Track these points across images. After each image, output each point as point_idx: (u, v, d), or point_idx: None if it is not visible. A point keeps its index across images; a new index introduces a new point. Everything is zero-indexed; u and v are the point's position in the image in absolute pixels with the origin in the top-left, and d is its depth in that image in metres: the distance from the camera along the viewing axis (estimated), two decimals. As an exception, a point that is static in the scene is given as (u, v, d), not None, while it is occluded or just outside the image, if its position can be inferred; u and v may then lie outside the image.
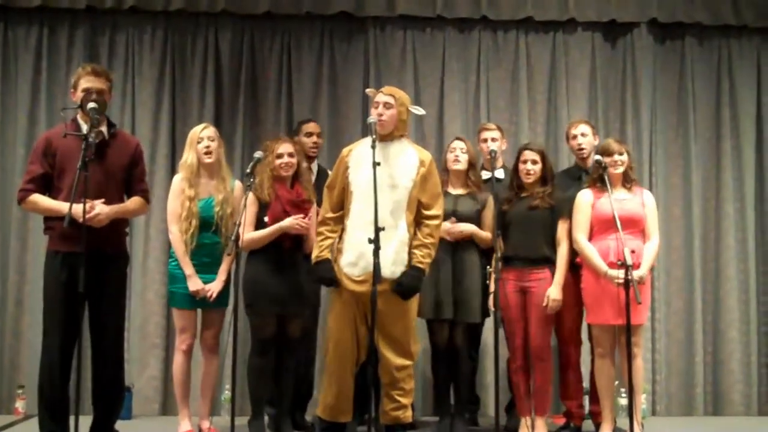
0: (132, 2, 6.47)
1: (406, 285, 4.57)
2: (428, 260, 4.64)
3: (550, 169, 5.33)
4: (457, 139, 5.46)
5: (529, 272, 5.17)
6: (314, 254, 4.70)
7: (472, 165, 5.35)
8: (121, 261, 4.56)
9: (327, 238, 4.70)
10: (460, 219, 5.19)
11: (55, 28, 6.57)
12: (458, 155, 5.30)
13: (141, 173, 4.63)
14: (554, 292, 5.11)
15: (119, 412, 4.60)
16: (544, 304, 5.11)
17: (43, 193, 4.35)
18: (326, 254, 4.67)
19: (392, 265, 4.54)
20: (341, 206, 4.72)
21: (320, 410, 4.78)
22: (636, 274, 4.66)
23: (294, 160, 5.11)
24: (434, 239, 4.69)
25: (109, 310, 4.38)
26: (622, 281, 4.79)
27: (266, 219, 4.99)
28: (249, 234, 4.94)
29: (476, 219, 5.24)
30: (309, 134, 5.70)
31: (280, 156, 5.07)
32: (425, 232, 4.66)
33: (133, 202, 4.54)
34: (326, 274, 4.66)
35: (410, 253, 4.63)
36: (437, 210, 4.72)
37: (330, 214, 4.74)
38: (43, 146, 4.35)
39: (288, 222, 4.94)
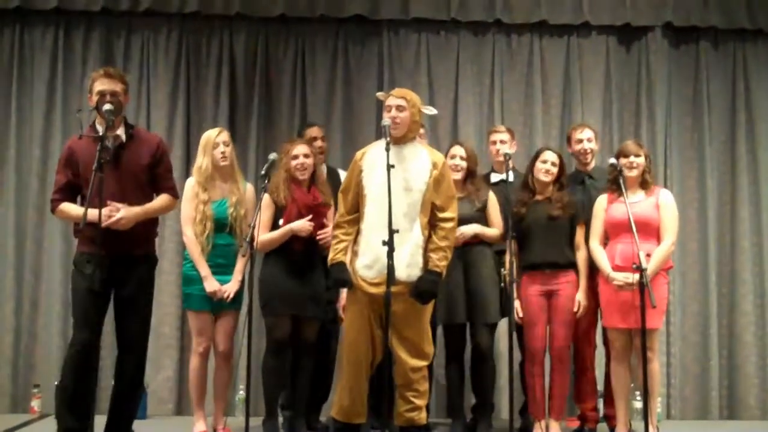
0: (147, 4, 6.52)
1: (423, 289, 4.56)
2: (444, 263, 4.63)
3: (565, 175, 5.34)
4: (457, 144, 5.45)
5: (556, 276, 5.18)
6: (330, 257, 4.70)
7: (470, 172, 5.34)
8: (149, 263, 4.55)
9: (342, 241, 4.70)
10: (460, 221, 5.16)
11: (71, 30, 6.61)
12: (458, 163, 5.28)
13: (166, 170, 4.61)
14: (583, 297, 5.15)
15: (134, 415, 4.60)
16: (575, 309, 5.13)
17: (71, 201, 4.40)
18: (341, 257, 4.67)
19: (407, 268, 4.53)
20: (356, 209, 4.72)
21: (335, 411, 4.78)
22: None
23: (309, 161, 5.11)
24: (449, 242, 4.67)
25: (133, 313, 4.37)
26: (622, 284, 4.87)
27: (281, 222, 5.00)
28: (262, 236, 4.95)
29: (477, 220, 5.23)
30: (313, 139, 5.61)
31: (295, 157, 5.08)
32: (440, 235, 4.64)
33: (160, 200, 4.54)
34: (341, 275, 4.65)
35: (425, 257, 4.62)
36: (452, 212, 4.70)
37: (345, 217, 4.74)
38: (66, 155, 4.40)
39: (298, 224, 4.96)
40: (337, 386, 4.91)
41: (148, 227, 4.49)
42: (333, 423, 4.80)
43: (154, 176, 4.52)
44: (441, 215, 4.66)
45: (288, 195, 5.04)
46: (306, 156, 5.09)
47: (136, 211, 4.33)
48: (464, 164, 5.29)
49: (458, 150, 5.34)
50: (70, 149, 4.41)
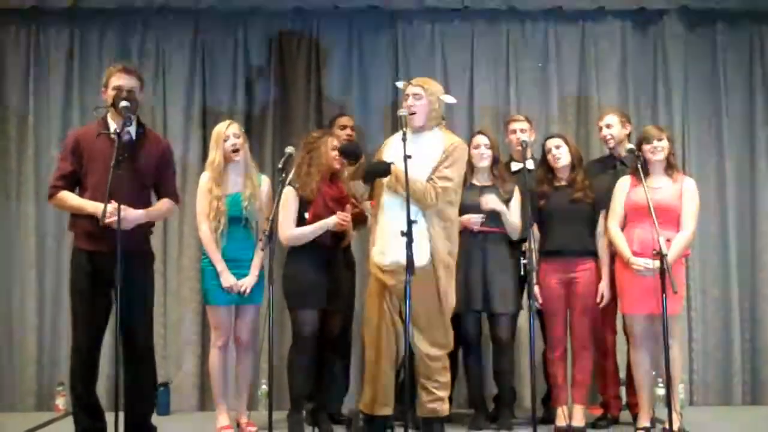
0: (162, 1, 6.53)
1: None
2: (402, 181, 4.43)
3: (576, 152, 5.34)
4: (480, 133, 5.44)
5: (575, 264, 5.18)
6: None
7: (495, 159, 5.33)
8: (146, 259, 4.55)
9: None
10: (486, 210, 5.19)
11: (86, 28, 6.62)
12: (483, 152, 5.28)
13: (171, 176, 4.64)
14: (606, 288, 5.15)
15: (152, 409, 4.63)
16: (598, 300, 5.13)
17: (72, 190, 4.37)
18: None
19: (415, 255, 4.54)
20: None
21: (361, 403, 4.80)
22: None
23: None
24: (425, 194, 4.59)
25: (135, 308, 4.34)
26: (641, 269, 4.84)
27: (307, 215, 4.99)
28: (293, 230, 4.96)
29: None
30: (343, 127, 5.75)
31: (334, 148, 5.07)
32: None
33: (163, 205, 4.56)
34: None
35: (432, 241, 4.64)
36: (444, 181, 4.64)
37: None
38: (72, 144, 4.37)
39: (333, 220, 4.94)
40: (364, 380, 4.91)
41: (143, 225, 4.45)
42: (361, 415, 4.81)
43: (159, 179, 4.53)
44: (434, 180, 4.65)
45: (316, 188, 5.02)
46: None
47: (137, 213, 4.32)
48: (490, 152, 5.30)
49: (482, 138, 5.34)
50: (76, 139, 4.39)
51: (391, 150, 4.73)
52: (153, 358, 4.58)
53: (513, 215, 5.26)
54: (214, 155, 5.19)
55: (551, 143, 5.30)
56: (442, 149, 4.69)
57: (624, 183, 5.14)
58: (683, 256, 5.08)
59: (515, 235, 5.26)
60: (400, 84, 4.96)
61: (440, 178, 4.64)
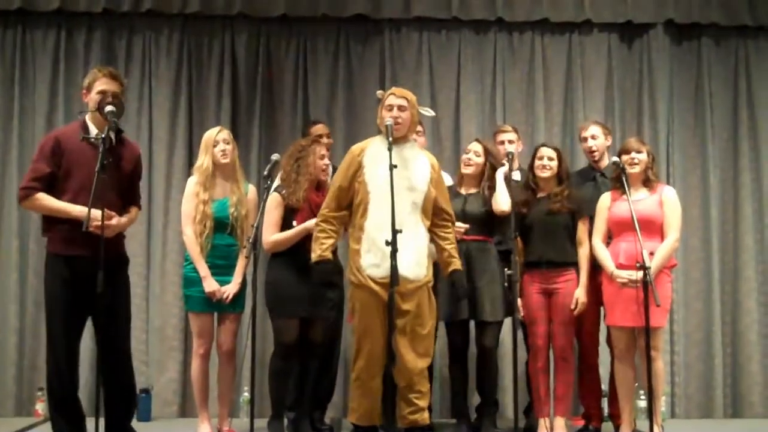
0: (149, 5, 6.51)
1: (461, 286, 4.76)
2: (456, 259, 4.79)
3: (566, 170, 5.34)
4: (475, 141, 5.48)
5: (556, 275, 5.19)
6: (316, 253, 4.61)
7: (493, 167, 5.33)
8: (123, 263, 4.51)
9: (330, 237, 4.64)
10: (469, 218, 5.21)
11: (73, 31, 6.61)
12: (471, 158, 5.33)
13: (139, 182, 4.64)
14: (582, 294, 5.13)
15: (132, 413, 4.58)
16: (573, 307, 5.12)
17: (48, 193, 4.23)
18: (328, 254, 4.63)
19: (416, 267, 4.53)
20: (348, 206, 4.70)
21: (355, 418, 4.71)
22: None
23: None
24: (454, 240, 4.82)
25: (115, 314, 4.29)
26: (625, 281, 4.87)
27: (294, 223, 4.96)
28: (275, 235, 4.94)
29: (485, 218, 5.22)
30: (319, 136, 5.62)
31: (322, 157, 5.09)
32: (448, 232, 4.76)
33: (135, 212, 4.56)
34: (324, 277, 4.67)
35: (439, 251, 4.72)
36: (452, 212, 4.85)
37: (333, 213, 4.67)
38: (51, 145, 4.25)
39: (312, 223, 4.89)
40: (352, 393, 4.78)
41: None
42: (354, 428, 4.78)
43: (131, 186, 4.52)
44: (446, 216, 4.74)
45: (303, 196, 5.00)
46: (328, 158, 5.15)
47: (123, 221, 4.36)
48: (479, 159, 5.33)
49: (474, 146, 5.40)
50: (56, 140, 4.26)
51: (371, 158, 4.66)
52: (131, 365, 4.52)
53: (500, 193, 5.22)
54: (203, 160, 5.18)
55: (546, 152, 5.29)
56: (429, 164, 4.71)
57: (605, 199, 5.17)
58: (669, 267, 5.09)
59: (504, 206, 5.17)
60: (380, 93, 4.94)
61: (450, 220, 4.82)
